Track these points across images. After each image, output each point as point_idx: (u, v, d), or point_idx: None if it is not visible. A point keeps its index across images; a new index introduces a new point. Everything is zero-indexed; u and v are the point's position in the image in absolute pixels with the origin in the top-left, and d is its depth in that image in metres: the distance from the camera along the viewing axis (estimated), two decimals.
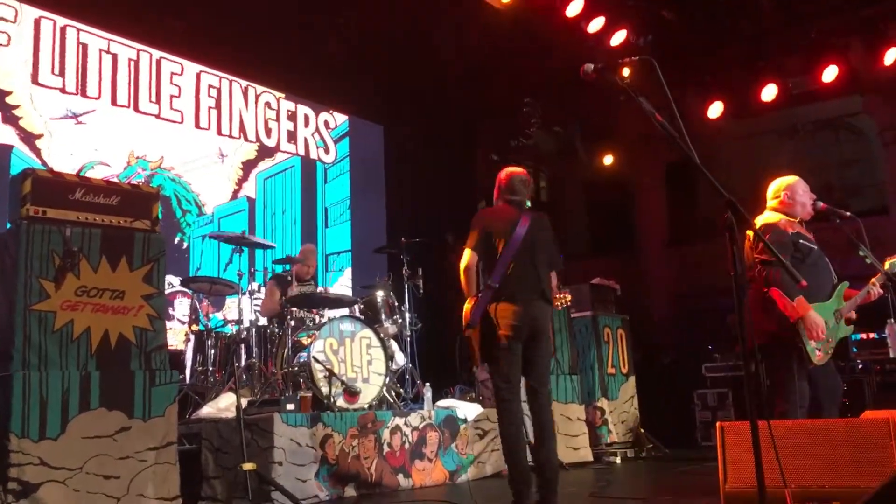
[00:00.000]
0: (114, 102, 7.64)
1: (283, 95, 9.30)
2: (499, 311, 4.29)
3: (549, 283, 4.48)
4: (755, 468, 2.51)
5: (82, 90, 7.42)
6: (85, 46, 7.50)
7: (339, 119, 9.97)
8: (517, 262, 4.36)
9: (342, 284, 9.46)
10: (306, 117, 9.59)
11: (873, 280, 4.48)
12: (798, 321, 4.25)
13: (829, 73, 9.82)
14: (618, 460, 7.41)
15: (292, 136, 9.37)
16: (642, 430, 8.15)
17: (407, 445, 5.85)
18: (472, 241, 4.45)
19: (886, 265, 4.55)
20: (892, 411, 4.07)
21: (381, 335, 6.31)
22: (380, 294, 6.81)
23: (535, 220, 4.54)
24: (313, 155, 9.61)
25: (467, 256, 4.42)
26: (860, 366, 8.15)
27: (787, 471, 3.13)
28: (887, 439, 3.36)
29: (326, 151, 9.77)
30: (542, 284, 4.40)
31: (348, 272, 9.64)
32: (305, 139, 9.54)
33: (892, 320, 4.34)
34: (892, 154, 11.78)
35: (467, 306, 4.40)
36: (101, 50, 7.61)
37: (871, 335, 7.90)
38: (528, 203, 4.63)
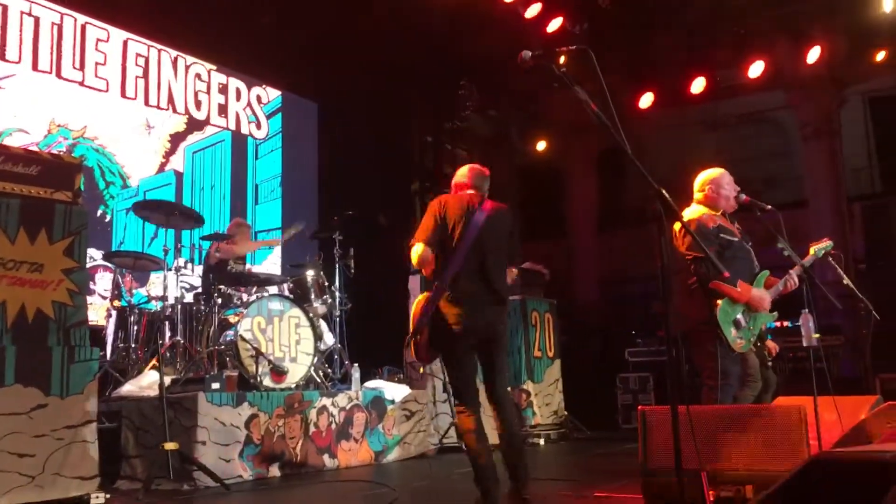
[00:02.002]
0: (35, 67, 7.33)
1: (214, 67, 9.07)
2: (448, 312, 3.89)
3: (505, 281, 4.09)
4: (674, 451, 2.58)
5: (1, 54, 7.09)
6: (5, 8, 7.15)
7: (272, 94, 9.79)
8: (471, 258, 3.95)
9: (271, 262, 9.33)
10: (238, 91, 9.38)
11: (791, 271, 4.64)
12: (717, 311, 4.40)
13: (756, 69, 10.11)
14: (542, 442, 7.54)
15: (223, 110, 9.16)
16: (566, 413, 8.31)
17: (334, 426, 5.83)
18: (425, 232, 3.96)
19: (811, 251, 4.73)
20: (804, 398, 4.24)
21: (311, 315, 6.26)
22: (310, 273, 6.75)
23: (495, 210, 4.14)
24: (244, 130, 9.42)
25: (418, 251, 3.93)
26: (776, 354, 8.47)
27: (704, 454, 3.24)
28: (799, 425, 3.50)
29: (258, 127, 9.59)
30: (495, 285, 3.98)
31: (278, 250, 9.50)
32: (237, 113, 9.34)
33: (806, 310, 4.50)
34: (811, 148, 12.22)
35: (415, 307, 4.01)
36: (22, 12, 7.27)
37: (785, 324, 8.21)
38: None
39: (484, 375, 4.06)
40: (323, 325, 6.85)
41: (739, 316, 4.47)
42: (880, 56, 10.25)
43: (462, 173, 4.32)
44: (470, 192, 4.19)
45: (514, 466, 3.97)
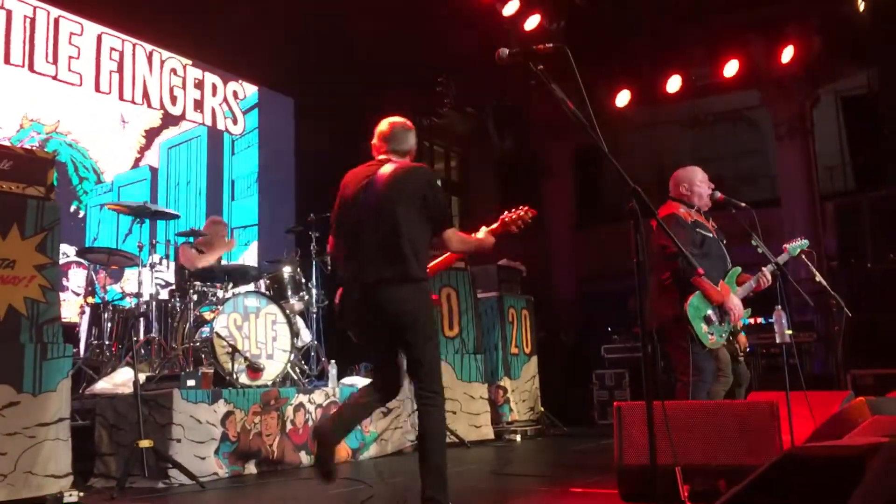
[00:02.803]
0: (7, 61, 7.22)
1: (189, 62, 9.00)
2: (346, 302, 3.57)
3: (417, 254, 3.47)
4: (648, 447, 2.60)
5: None
6: None
7: (249, 90, 9.73)
8: (366, 235, 3.49)
9: (248, 259, 9.28)
10: (214, 86, 9.31)
11: (763, 268, 4.70)
12: (687, 307, 4.44)
13: (731, 68, 10.22)
14: (518, 438, 7.57)
15: (199, 105, 9.09)
16: (542, 409, 8.35)
17: (311, 423, 5.81)
18: (332, 222, 3.67)
19: (787, 249, 4.79)
20: (777, 393, 4.30)
21: (287, 311, 6.23)
22: (286, 270, 6.72)
23: (399, 172, 3.55)
24: (220, 125, 9.36)
25: (329, 251, 3.70)
26: (747, 349, 8.58)
27: (678, 449, 3.27)
28: (771, 420, 3.55)
29: (234, 122, 9.53)
30: (399, 261, 3.42)
31: (254, 247, 9.46)
32: (213, 109, 9.27)
33: (779, 306, 4.56)
34: (785, 147, 12.35)
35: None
36: None
37: (759, 320, 8.31)
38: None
39: (407, 370, 3.59)
40: (299, 321, 6.82)
41: (710, 312, 4.52)
42: (852, 55, 10.40)
43: (377, 132, 3.74)
44: (382, 156, 3.68)
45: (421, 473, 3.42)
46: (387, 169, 3.56)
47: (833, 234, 11.27)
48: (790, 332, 4.50)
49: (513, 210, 3.85)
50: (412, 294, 3.44)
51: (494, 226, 3.84)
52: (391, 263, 3.42)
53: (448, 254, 3.86)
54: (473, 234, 3.82)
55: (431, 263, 3.84)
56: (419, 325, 3.46)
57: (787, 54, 10.19)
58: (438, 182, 3.63)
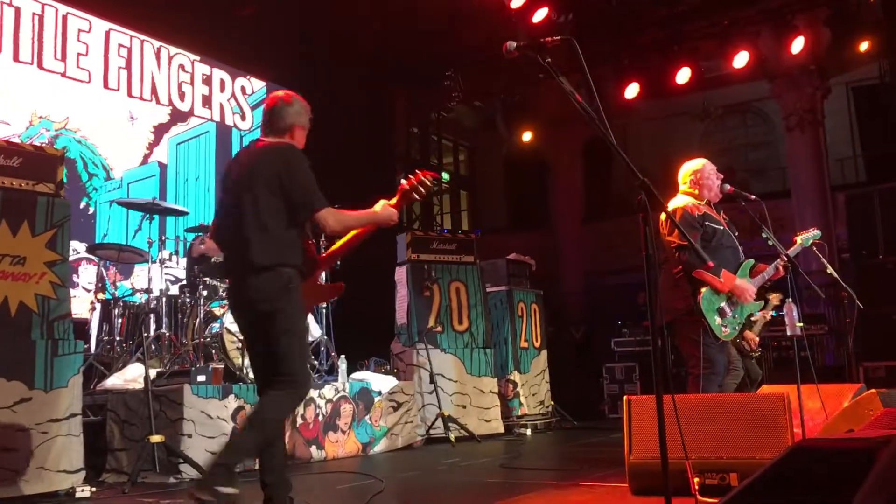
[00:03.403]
0: (16, 58, 7.25)
1: (198, 58, 9.00)
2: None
3: (266, 237, 3.16)
4: (659, 440, 2.59)
5: None
6: None
7: (257, 85, 9.73)
8: (225, 220, 3.33)
9: None
10: (222, 82, 9.32)
11: (777, 261, 4.67)
12: (700, 300, 4.42)
13: (740, 59, 10.16)
14: (528, 432, 7.56)
15: (207, 101, 9.10)
16: (552, 403, 8.34)
17: (321, 417, 5.83)
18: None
19: (798, 240, 4.76)
20: (788, 386, 4.28)
21: None
22: None
23: (258, 153, 3.27)
24: (229, 121, 9.37)
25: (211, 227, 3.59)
26: (759, 351, 8.56)
27: (689, 443, 3.26)
28: (782, 413, 3.53)
29: (243, 118, 9.54)
30: (251, 249, 3.15)
31: None
32: (221, 104, 9.28)
33: (790, 299, 4.53)
34: (795, 139, 12.30)
35: None
36: (2, 2, 7.18)
37: (770, 313, 8.26)
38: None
39: (264, 365, 3.35)
40: (309, 316, 6.81)
41: (724, 304, 4.49)
42: (864, 46, 10.31)
43: (263, 108, 3.48)
44: (263, 136, 3.39)
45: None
46: (247, 150, 3.32)
47: (844, 225, 11.24)
48: (801, 324, 4.47)
49: (410, 177, 3.44)
50: (265, 282, 3.15)
51: (394, 199, 3.44)
52: (244, 250, 3.16)
53: (348, 235, 3.46)
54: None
55: (335, 246, 3.55)
56: (273, 314, 3.17)
57: (798, 45, 10.12)
58: (300, 160, 3.28)
